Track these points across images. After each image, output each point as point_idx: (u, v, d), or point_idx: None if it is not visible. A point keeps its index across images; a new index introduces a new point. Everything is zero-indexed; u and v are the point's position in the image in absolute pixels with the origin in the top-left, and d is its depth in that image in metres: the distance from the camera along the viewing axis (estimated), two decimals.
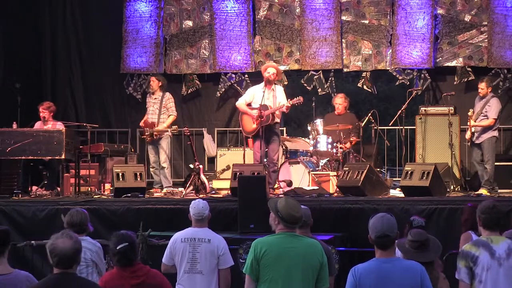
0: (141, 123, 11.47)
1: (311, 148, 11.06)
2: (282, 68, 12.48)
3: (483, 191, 10.23)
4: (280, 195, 9.63)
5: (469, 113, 10.51)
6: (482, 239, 4.95)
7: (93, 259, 5.99)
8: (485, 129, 10.47)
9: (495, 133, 10.54)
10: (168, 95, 11.44)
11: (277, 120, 10.45)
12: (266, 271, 4.79)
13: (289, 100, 10.34)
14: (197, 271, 6.17)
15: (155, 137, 11.19)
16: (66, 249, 4.08)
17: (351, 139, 11.06)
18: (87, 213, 6.15)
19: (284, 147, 11.35)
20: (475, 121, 10.47)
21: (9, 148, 10.23)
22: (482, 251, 4.86)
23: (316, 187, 10.15)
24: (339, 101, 11.62)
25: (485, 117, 10.46)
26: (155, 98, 11.39)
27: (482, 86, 10.61)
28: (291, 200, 4.99)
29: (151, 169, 11.40)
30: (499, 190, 10.48)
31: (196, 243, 6.20)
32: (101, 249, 6.11)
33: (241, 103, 10.65)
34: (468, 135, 10.64)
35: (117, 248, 4.89)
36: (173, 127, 11.06)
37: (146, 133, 11.25)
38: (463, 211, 6.44)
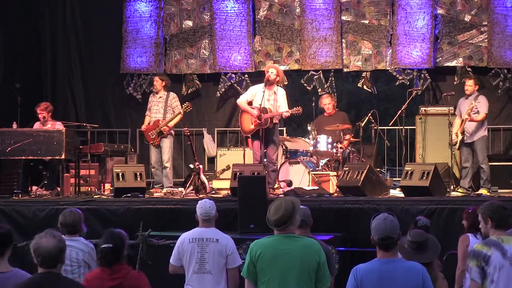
0: (143, 129, 11.41)
1: (311, 148, 11.06)
2: (282, 68, 12.47)
3: (483, 191, 10.22)
4: (280, 195, 9.62)
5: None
6: (493, 239, 4.93)
7: (85, 260, 5.96)
8: (477, 127, 10.45)
9: (486, 133, 10.61)
10: (172, 94, 11.46)
11: (276, 121, 10.43)
12: (263, 273, 4.77)
13: (288, 109, 10.33)
14: (206, 271, 6.18)
15: (164, 132, 11.17)
16: (50, 248, 4.09)
17: (347, 137, 11.05)
18: (81, 213, 6.11)
19: (284, 147, 11.34)
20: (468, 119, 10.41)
21: (9, 148, 10.22)
22: (494, 251, 4.84)
23: (316, 187, 10.15)
24: (327, 101, 11.62)
25: (477, 114, 10.46)
26: (160, 97, 11.38)
27: (470, 84, 10.63)
28: (277, 202, 4.87)
29: (151, 169, 11.39)
30: (499, 190, 10.47)
31: (204, 243, 6.21)
32: (94, 249, 6.06)
33: (242, 101, 10.60)
34: (454, 137, 10.55)
35: (100, 247, 4.88)
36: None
37: (153, 136, 11.22)
38: (467, 216, 6.37)
